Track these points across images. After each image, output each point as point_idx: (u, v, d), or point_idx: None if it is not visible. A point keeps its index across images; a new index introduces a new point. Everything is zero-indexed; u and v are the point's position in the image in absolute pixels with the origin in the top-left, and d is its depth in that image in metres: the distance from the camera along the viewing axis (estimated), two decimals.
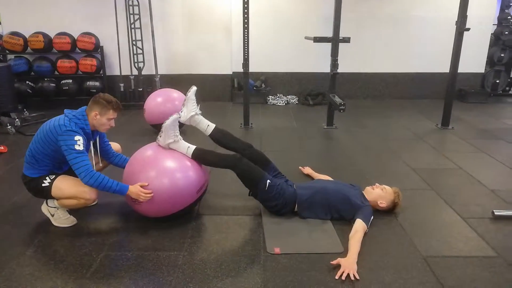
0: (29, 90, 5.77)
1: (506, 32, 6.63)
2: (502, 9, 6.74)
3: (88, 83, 5.85)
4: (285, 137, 4.62)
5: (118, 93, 5.94)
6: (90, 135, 2.48)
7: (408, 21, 6.44)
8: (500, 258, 2.23)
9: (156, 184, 2.39)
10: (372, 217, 2.53)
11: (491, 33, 6.72)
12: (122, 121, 5.15)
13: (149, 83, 6.10)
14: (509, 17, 6.68)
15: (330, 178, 3.10)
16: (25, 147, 2.49)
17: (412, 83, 6.74)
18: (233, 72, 6.45)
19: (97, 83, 5.88)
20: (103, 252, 2.26)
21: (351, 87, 6.68)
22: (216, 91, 6.49)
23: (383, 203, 2.65)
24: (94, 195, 2.43)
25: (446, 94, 4.99)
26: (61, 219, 2.52)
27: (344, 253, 2.22)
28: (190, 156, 2.57)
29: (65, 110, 2.44)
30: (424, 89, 6.76)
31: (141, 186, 2.36)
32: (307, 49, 6.15)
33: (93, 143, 2.58)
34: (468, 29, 4.57)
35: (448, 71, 4.88)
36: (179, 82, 6.05)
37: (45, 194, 2.44)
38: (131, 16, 5.82)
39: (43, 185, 2.41)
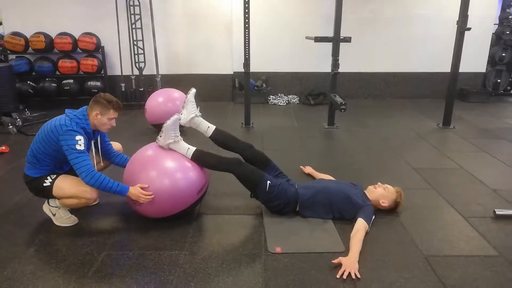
0: (30, 90, 5.77)
1: (508, 32, 6.62)
2: (503, 9, 6.73)
3: (89, 83, 5.86)
4: (286, 137, 4.62)
5: (119, 93, 5.95)
6: (91, 134, 2.48)
7: (409, 21, 6.43)
8: (501, 257, 2.23)
9: (156, 185, 2.39)
10: (374, 217, 2.53)
11: (492, 33, 6.70)
12: (123, 121, 5.15)
13: (150, 83, 6.11)
14: (510, 17, 6.67)
15: (331, 178, 3.10)
16: (27, 147, 2.49)
17: (413, 82, 6.74)
18: (234, 72, 6.45)
19: (98, 83, 5.88)
20: (104, 251, 2.26)
21: (352, 86, 6.68)
22: (217, 91, 6.49)
23: (385, 203, 2.65)
24: (95, 194, 2.44)
25: (447, 94, 4.98)
26: (63, 219, 2.52)
27: (345, 253, 2.22)
28: (190, 158, 2.57)
29: (66, 110, 2.44)
30: (425, 89, 6.75)
31: (142, 188, 2.37)
32: (308, 49, 6.14)
33: (94, 143, 2.58)
34: (469, 29, 4.56)
35: (449, 71, 4.87)
36: (180, 82, 6.06)
37: (47, 193, 2.45)
38: (132, 16, 5.83)
39: (44, 184, 2.42)
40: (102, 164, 2.73)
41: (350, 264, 2.07)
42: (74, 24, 5.86)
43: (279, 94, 6.60)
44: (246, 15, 4.60)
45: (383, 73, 6.69)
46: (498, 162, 3.79)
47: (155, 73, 6.08)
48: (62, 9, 5.91)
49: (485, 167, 3.65)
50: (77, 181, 2.38)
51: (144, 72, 6.09)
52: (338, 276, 2.02)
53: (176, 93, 4.65)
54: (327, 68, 4.96)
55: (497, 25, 6.80)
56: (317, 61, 6.37)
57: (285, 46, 6.42)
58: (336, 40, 4.63)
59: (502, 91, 6.88)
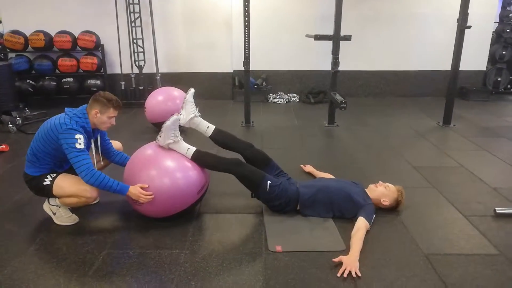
0: (30, 89, 5.76)
1: (508, 30, 6.61)
2: (503, 7, 6.72)
3: (89, 81, 5.85)
4: (286, 135, 4.61)
5: (119, 92, 5.94)
6: (91, 133, 2.48)
7: (409, 19, 6.42)
8: (502, 256, 2.23)
9: (156, 184, 2.39)
10: (374, 215, 2.53)
11: (493, 31, 6.70)
12: (123, 119, 5.15)
13: (150, 82, 6.10)
14: (510, 15, 6.65)
15: (331, 176, 3.10)
16: (27, 146, 2.49)
17: (413, 81, 6.73)
18: (234, 70, 6.45)
19: (98, 82, 5.88)
20: (105, 250, 2.26)
21: (352, 85, 6.67)
22: (217, 89, 6.48)
23: (386, 201, 2.65)
24: (95, 193, 2.43)
25: (447, 92, 4.98)
26: (63, 217, 2.52)
27: (345, 251, 2.22)
28: (190, 158, 2.56)
29: (66, 108, 2.44)
30: (425, 87, 6.74)
31: (142, 188, 2.36)
32: (308, 47, 6.13)
33: (93, 142, 2.57)
34: (469, 27, 4.55)
35: (449, 69, 4.87)
36: (180, 80, 6.06)
37: (47, 192, 2.44)
38: (132, 14, 5.81)
39: (44, 183, 2.41)
40: (102, 163, 2.73)
41: (350, 262, 2.07)
42: (74, 22, 5.85)
43: (279, 93, 6.60)
44: (246, 13, 4.59)
45: (383, 71, 6.69)
46: (498, 160, 3.79)
47: (155, 71, 6.07)
48: (61, 7, 5.89)
49: (486, 165, 3.65)
50: (77, 180, 2.37)
51: (144, 71, 6.08)
52: (338, 275, 2.02)
53: (176, 92, 4.64)
54: (327, 66, 4.96)
55: (497, 23, 6.78)
56: (317, 59, 6.36)
57: (285, 44, 6.41)
58: (336, 38, 4.62)
59: (502, 89, 6.88)
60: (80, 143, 2.30)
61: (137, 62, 6.00)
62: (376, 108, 6.06)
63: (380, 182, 2.74)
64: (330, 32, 4.68)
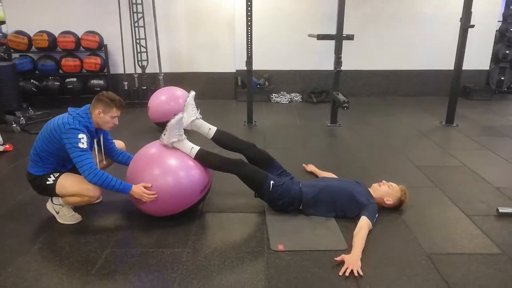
0: (33, 89, 5.80)
1: (511, 29, 6.58)
2: (507, 6, 6.69)
3: (92, 81, 5.88)
4: (289, 135, 4.61)
5: (122, 92, 5.96)
6: (94, 133, 2.49)
7: (411, 18, 6.41)
8: (504, 255, 2.22)
9: (159, 184, 2.39)
10: (377, 215, 2.52)
11: (496, 30, 6.67)
12: (126, 119, 5.17)
13: (152, 81, 6.12)
14: None
15: (334, 176, 3.10)
16: (30, 145, 2.50)
17: (416, 80, 6.72)
18: (236, 70, 6.45)
19: (101, 82, 5.90)
20: (108, 249, 2.27)
21: (354, 84, 6.66)
22: (220, 89, 6.49)
23: (389, 200, 2.65)
24: (97, 192, 2.44)
25: (450, 91, 4.96)
26: (66, 216, 2.53)
27: (348, 250, 2.22)
28: (193, 157, 2.57)
29: (69, 108, 2.45)
30: (428, 87, 6.73)
31: (145, 187, 2.37)
32: (311, 46, 6.13)
33: (96, 141, 2.58)
34: (472, 26, 4.54)
35: (452, 68, 4.85)
36: (183, 80, 6.07)
37: (50, 191, 2.46)
38: (135, 14, 5.83)
39: (47, 182, 2.43)
40: (105, 162, 2.74)
41: (353, 261, 2.07)
42: (77, 23, 5.88)
43: (281, 92, 6.60)
44: (249, 13, 4.59)
45: (385, 71, 6.67)
46: (501, 160, 3.78)
47: (158, 71, 6.09)
48: (65, 7, 5.92)
49: (489, 165, 3.64)
50: (80, 179, 2.38)
51: (147, 71, 6.10)
52: (340, 274, 2.02)
53: (178, 91, 4.65)
54: (329, 66, 4.95)
55: (500, 22, 6.76)
56: (320, 59, 6.35)
57: (288, 44, 6.41)
58: (339, 38, 4.62)
59: (505, 89, 6.85)
60: (83, 143, 2.31)
61: (140, 62, 6.02)
62: (378, 107, 6.05)
63: (383, 181, 2.74)
64: (333, 31, 4.68)
